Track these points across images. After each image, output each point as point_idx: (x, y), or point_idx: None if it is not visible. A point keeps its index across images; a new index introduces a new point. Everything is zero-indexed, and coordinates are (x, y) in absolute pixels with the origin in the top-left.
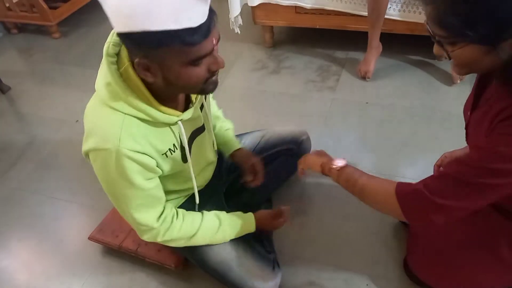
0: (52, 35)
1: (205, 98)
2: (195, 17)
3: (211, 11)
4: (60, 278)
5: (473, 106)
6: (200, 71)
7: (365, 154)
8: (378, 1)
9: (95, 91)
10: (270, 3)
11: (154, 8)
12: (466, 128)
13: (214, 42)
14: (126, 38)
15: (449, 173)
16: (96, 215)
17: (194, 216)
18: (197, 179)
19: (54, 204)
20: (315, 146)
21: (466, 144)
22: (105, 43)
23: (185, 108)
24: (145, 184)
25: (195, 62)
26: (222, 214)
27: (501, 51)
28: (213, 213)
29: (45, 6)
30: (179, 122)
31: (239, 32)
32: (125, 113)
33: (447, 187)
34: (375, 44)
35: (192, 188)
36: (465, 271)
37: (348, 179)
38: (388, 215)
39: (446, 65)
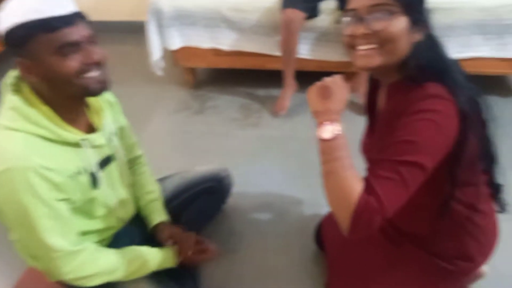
0: None
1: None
2: (51, 8)
3: (81, 13)
4: None
5: (370, 131)
6: (70, 62)
7: (289, 187)
8: (290, 43)
9: None
10: (189, 47)
11: (15, 6)
12: (367, 157)
13: (82, 33)
14: (4, 40)
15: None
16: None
17: (113, 250)
18: (107, 218)
19: None
20: (241, 182)
21: None
22: (5, 80)
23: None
24: (56, 203)
25: (62, 50)
26: (143, 247)
27: (411, 36)
28: (133, 247)
29: None
30: (84, 143)
31: (162, 74)
32: (26, 132)
33: (375, 186)
34: (289, 82)
35: (108, 231)
36: None
37: (326, 152)
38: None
39: (354, 98)
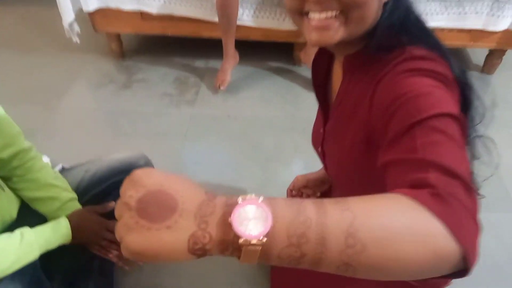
0: None
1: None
2: None
3: None
4: None
5: (324, 119)
6: None
7: (231, 176)
8: (228, 6)
9: None
10: (109, 9)
11: None
12: (322, 151)
13: None
14: None
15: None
16: None
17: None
18: None
19: None
20: (172, 169)
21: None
22: None
23: None
24: None
25: None
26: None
27: None
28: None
29: None
30: None
31: (78, 41)
32: None
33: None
34: (230, 52)
35: None
36: None
37: (299, 243)
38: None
39: (305, 71)
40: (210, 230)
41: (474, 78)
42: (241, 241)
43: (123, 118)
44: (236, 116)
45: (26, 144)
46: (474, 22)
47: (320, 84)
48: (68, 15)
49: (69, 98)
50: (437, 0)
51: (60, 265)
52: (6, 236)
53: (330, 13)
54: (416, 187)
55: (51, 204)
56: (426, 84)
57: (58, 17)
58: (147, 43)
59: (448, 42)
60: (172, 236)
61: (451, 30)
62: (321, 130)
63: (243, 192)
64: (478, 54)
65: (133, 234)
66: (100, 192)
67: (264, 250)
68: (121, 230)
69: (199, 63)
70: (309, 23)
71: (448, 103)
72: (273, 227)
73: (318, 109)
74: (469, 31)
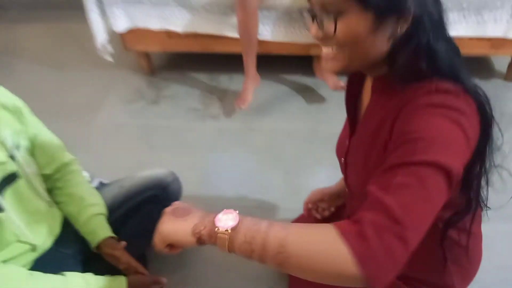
0: None
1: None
2: None
3: None
4: None
5: (351, 132)
6: None
7: (251, 186)
8: (248, 24)
9: None
10: (138, 28)
11: None
12: (345, 161)
13: None
14: None
15: (380, 188)
16: None
17: (54, 276)
18: (18, 244)
19: None
20: (199, 182)
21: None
22: None
23: None
24: None
25: None
26: (88, 275)
27: (384, 34)
28: (77, 274)
29: None
30: None
31: (111, 60)
32: None
33: (389, 203)
34: (251, 73)
35: (31, 253)
36: None
37: (251, 241)
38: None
39: (325, 84)
40: (206, 224)
41: (497, 85)
42: (216, 229)
43: (153, 132)
44: (259, 129)
45: (67, 158)
46: (494, 30)
47: (351, 97)
48: (100, 36)
49: (102, 114)
50: (455, 10)
51: None
52: (74, 279)
53: (329, 49)
54: (354, 221)
55: (78, 217)
56: (437, 126)
57: (91, 34)
58: (174, 59)
59: (469, 50)
60: (184, 224)
61: (471, 39)
62: (347, 142)
63: (266, 202)
64: (501, 62)
65: (165, 223)
66: (133, 206)
67: (230, 240)
68: (158, 226)
69: (223, 79)
70: (321, 54)
71: (447, 151)
72: (236, 226)
73: (346, 121)
74: (490, 39)
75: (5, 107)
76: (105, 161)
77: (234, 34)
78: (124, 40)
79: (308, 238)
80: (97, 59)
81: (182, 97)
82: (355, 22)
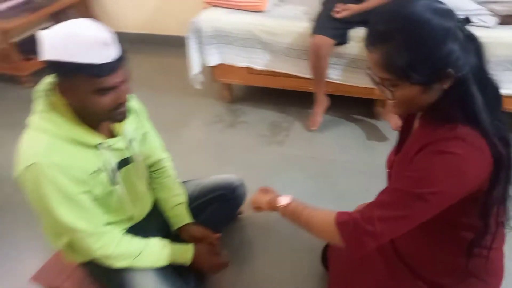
0: (24, 85)
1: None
2: (98, 57)
3: (123, 57)
4: None
5: (397, 149)
6: (105, 100)
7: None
8: (319, 67)
9: None
10: (226, 64)
11: (69, 44)
12: (389, 172)
13: (120, 79)
14: (48, 65)
15: (378, 200)
16: (40, 257)
17: (137, 238)
18: (122, 212)
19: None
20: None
21: None
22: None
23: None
24: (76, 195)
25: (100, 92)
26: (163, 239)
27: (434, 90)
28: (154, 239)
29: (18, 57)
30: (102, 147)
31: (200, 88)
32: (51, 134)
33: (375, 213)
34: (320, 99)
35: (128, 222)
36: None
37: (293, 214)
38: (332, 243)
39: (382, 125)
40: (274, 200)
41: None
42: (278, 204)
43: (225, 150)
44: (316, 158)
45: (163, 155)
46: None
47: (406, 122)
48: (195, 68)
49: (188, 130)
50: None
51: None
52: (155, 240)
53: (392, 102)
54: (349, 214)
55: (166, 203)
56: (435, 169)
57: (184, 66)
58: (251, 92)
59: None
60: (265, 197)
61: None
62: (393, 158)
63: None
64: None
65: (256, 194)
66: (206, 200)
67: (283, 210)
68: (252, 196)
69: (291, 110)
70: None
71: (431, 186)
72: (288, 204)
73: (397, 141)
74: None
75: (132, 110)
76: (185, 166)
77: (306, 75)
78: (213, 73)
79: (312, 217)
80: (187, 87)
81: (254, 124)
82: (407, 91)
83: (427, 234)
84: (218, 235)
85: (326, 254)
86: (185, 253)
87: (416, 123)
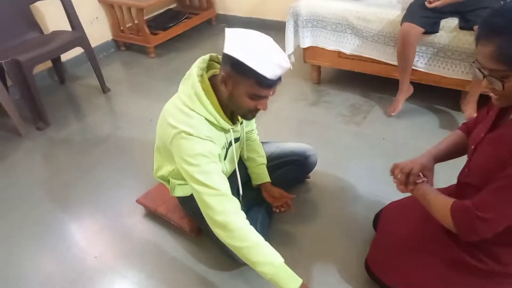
0: (150, 55)
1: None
2: (272, 74)
3: (280, 79)
4: (112, 229)
5: (491, 127)
6: (251, 103)
7: (369, 185)
8: (406, 55)
9: (167, 102)
10: (317, 47)
11: (256, 52)
12: (473, 149)
13: (271, 93)
14: (229, 58)
15: (491, 188)
16: (144, 187)
17: (256, 233)
18: (226, 173)
19: (120, 177)
20: (327, 165)
21: (459, 175)
22: (194, 66)
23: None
24: (213, 162)
25: (253, 96)
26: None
27: None
28: (273, 250)
29: (148, 31)
30: (231, 131)
31: (291, 68)
32: (199, 114)
33: (487, 199)
34: (405, 87)
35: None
36: (415, 273)
37: (422, 193)
38: (448, 227)
39: (462, 117)
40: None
41: None
42: (418, 181)
43: (306, 125)
44: (390, 140)
45: (255, 125)
46: None
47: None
48: (289, 49)
49: (276, 104)
50: None
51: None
52: (271, 250)
53: (493, 95)
54: (463, 202)
55: (253, 161)
56: None
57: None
58: (338, 75)
59: None
60: (408, 169)
61: None
62: (482, 135)
63: (373, 193)
64: None
65: (407, 163)
66: (282, 162)
67: (418, 187)
68: (403, 162)
69: (374, 95)
70: None
71: None
72: (422, 184)
73: (482, 116)
74: None
75: None
76: (270, 132)
77: (392, 61)
78: (304, 55)
79: (435, 200)
80: None
81: (336, 104)
82: None
83: None
84: (293, 196)
85: (378, 218)
86: (293, 280)
87: (505, 121)
